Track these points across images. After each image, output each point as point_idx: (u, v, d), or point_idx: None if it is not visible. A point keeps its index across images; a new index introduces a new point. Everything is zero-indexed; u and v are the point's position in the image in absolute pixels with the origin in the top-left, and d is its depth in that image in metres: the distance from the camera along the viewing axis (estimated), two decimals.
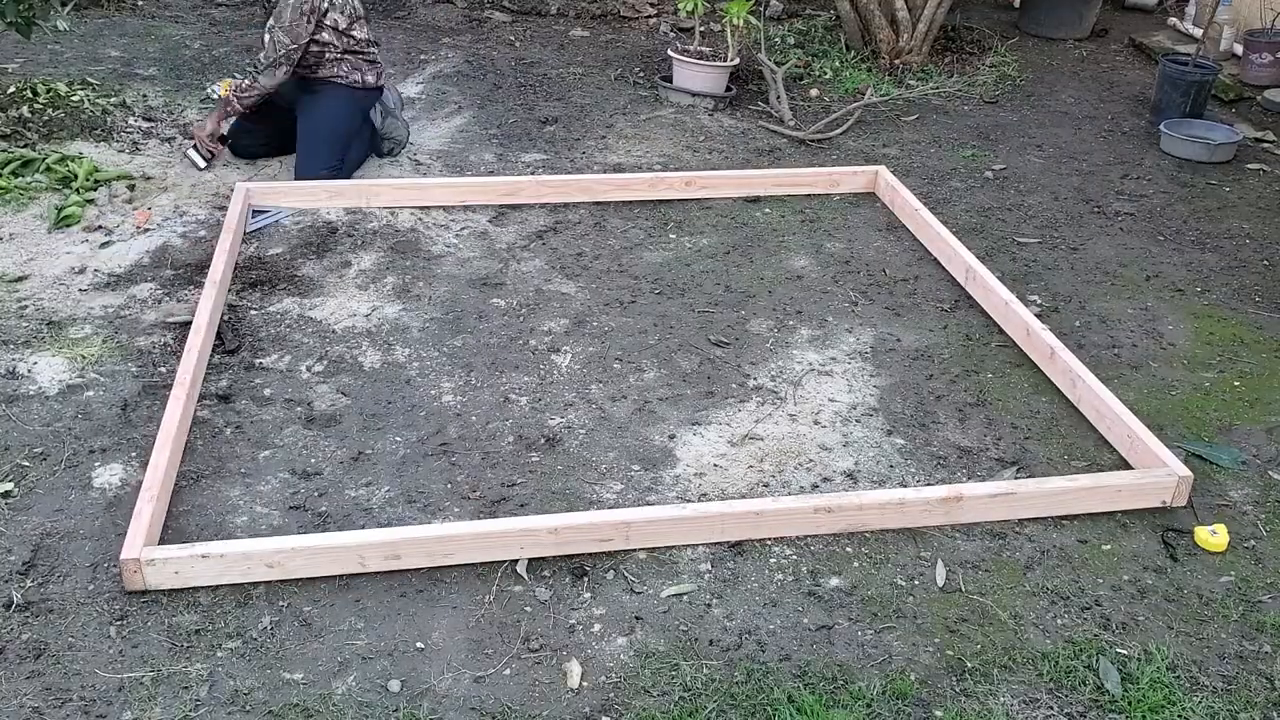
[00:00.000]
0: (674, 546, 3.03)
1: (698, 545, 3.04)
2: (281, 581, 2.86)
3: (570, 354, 3.87)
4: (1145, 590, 3.00)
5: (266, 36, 4.78)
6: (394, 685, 2.61)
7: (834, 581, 2.97)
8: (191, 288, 4.05)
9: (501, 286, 4.26)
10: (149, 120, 5.47)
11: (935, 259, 4.59)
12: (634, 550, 3.01)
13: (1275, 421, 3.73)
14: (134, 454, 3.24)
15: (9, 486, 3.12)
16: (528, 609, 2.83)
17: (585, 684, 2.63)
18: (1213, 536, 3.13)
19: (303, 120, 4.96)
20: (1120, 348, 4.08)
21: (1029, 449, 3.52)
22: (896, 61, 6.65)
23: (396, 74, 6.31)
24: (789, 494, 3.24)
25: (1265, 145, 6.00)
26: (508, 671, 2.66)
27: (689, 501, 3.19)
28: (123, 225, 4.49)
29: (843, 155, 5.62)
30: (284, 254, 4.39)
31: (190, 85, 5.94)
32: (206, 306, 3.80)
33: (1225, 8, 7.17)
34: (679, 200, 5.00)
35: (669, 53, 6.25)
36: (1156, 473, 3.27)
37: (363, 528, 3.03)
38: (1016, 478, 3.35)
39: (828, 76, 6.62)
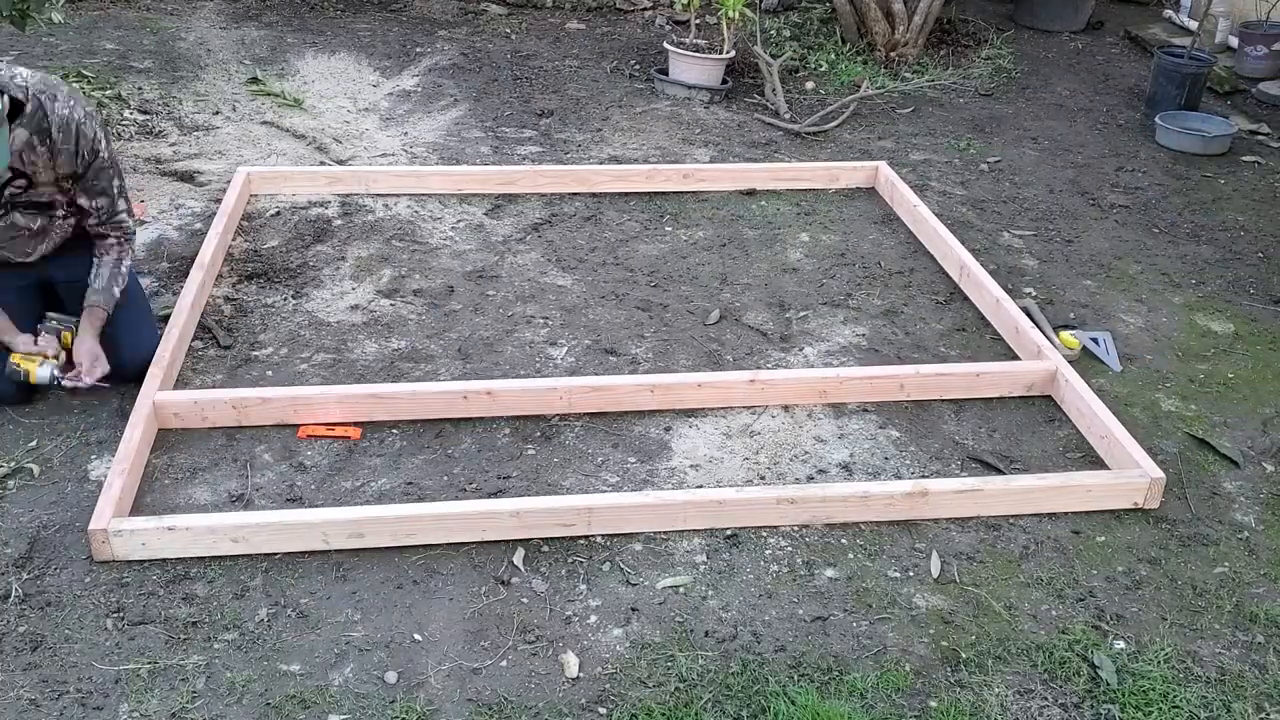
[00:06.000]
0: (668, 537, 3.04)
1: (692, 537, 3.06)
2: (279, 573, 2.86)
3: (566, 346, 3.87)
4: (1139, 581, 3.01)
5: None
6: (391, 676, 2.62)
7: (829, 573, 2.98)
8: (187, 280, 4.04)
9: (497, 279, 4.26)
10: (144, 113, 5.46)
11: (931, 252, 4.60)
12: (627, 541, 3.02)
13: (1269, 414, 3.75)
14: None
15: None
16: (524, 600, 2.84)
17: (582, 674, 2.64)
18: (1071, 337, 3.97)
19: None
20: (1115, 340, 4.09)
21: (1022, 442, 3.53)
22: (892, 54, 6.64)
23: (392, 67, 6.31)
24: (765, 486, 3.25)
25: (1260, 138, 6.00)
26: (504, 663, 2.67)
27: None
28: None
29: (838, 148, 5.62)
30: (280, 246, 4.39)
31: (186, 78, 5.93)
32: (192, 289, 3.84)
33: (1220, 0, 7.17)
34: (674, 193, 5.00)
35: (665, 45, 6.24)
36: (1129, 474, 3.26)
37: None
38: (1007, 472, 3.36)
39: (823, 69, 6.61)
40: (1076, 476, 3.28)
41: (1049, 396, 3.71)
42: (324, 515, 2.94)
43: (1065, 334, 3.99)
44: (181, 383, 3.55)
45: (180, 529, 2.86)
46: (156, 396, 3.32)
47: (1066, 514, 3.22)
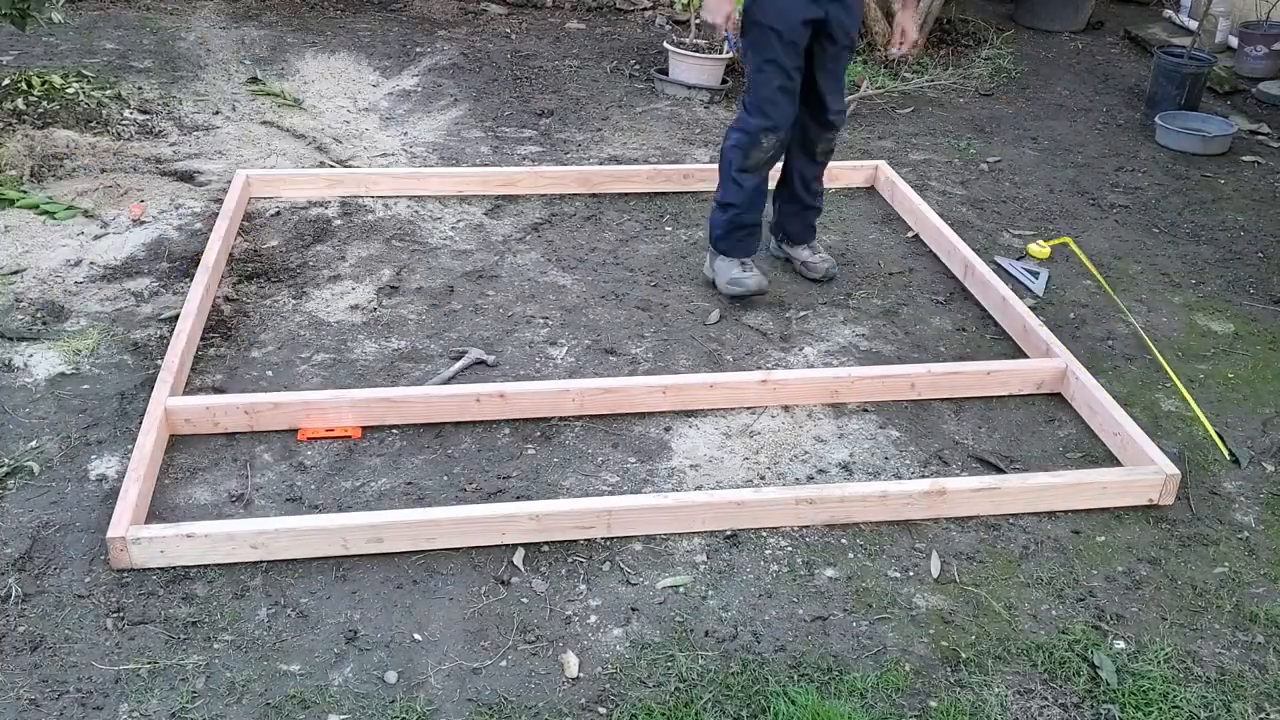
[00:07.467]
0: (668, 537, 3.04)
1: (693, 537, 3.06)
2: (279, 573, 2.86)
3: (566, 346, 3.87)
4: (1139, 581, 3.01)
5: None
6: (391, 676, 2.62)
7: (829, 573, 2.98)
8: (187, 280, 4.05)
9: (497, 279, 4.26)
10: (144, 113, 5.46)
11: (931, 252, 4.60)
12: (627, 541, 3.02)
13: (1268, 413, 3.75)
14: (130, 446, 3.23)
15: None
16: (524, 600, 2.84)
17: (582, 674, 2.64)
18: (1038, 249, 4.45)
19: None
20: (1114, 339, 4.09)
21: (1022, 442, 3.53)
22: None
23: (392, 67, 6.31)
24: (783, 486, 3.25)
25: (1260, 137, 6.00)
26: (504, 663, 2.67)
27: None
28: (119, 218, 4.49)
29: (838, 148, 5.61)
30: (280, 246, 4.39)
31: (186, 78, 5.93)
32: (198, 292, 3.82)
33: (1220, 0, 7.17)
34: (675, 193, 5.00)
35: (665, 45, 6.24)
36: (1144, 470, 3.27)
37: None
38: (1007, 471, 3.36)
39: None
40: (1091, 473, 3.28)
41: (1058, 394, 3.72)
42: (344, 520, 2.92)
43: (1032, 246, 4.56)
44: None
45: (199, 536, 2.84)
46: (168, 402, 3.30)
47: (1066, 514, 3.22)
